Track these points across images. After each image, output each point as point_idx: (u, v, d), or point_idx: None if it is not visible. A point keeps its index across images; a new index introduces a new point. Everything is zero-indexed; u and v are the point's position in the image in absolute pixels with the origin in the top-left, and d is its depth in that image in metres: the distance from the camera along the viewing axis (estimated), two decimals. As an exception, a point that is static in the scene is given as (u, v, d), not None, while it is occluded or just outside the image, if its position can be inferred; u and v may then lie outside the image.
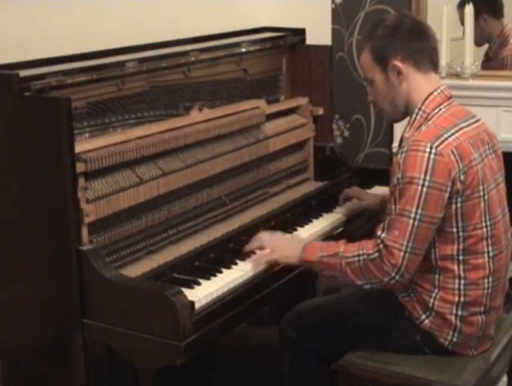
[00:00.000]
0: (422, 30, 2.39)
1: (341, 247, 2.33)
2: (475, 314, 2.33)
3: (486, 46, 4.22)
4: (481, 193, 2.28)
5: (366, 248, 2.27)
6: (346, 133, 4.26)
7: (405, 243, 2.20)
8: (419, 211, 2.19)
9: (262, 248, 2.47)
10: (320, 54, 3.22)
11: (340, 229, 2.83)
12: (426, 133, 2.27)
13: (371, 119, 4.20)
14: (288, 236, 2.63)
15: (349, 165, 3.27)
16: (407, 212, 2.20)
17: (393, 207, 2.24)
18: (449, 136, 2.26)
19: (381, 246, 2.23)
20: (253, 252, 2.48)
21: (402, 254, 2.20)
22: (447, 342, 2.34)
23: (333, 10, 4.09)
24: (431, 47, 2.40)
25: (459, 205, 2.25)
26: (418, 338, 2.36)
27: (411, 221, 2.20)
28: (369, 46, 2.40)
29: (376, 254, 2.24)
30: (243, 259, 2.46)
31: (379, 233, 2.25)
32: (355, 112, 4.20)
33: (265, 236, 2.50)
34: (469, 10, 3.82)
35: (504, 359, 2.50)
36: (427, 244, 2.25)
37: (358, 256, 2.27)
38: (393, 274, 2.22)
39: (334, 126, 4.11)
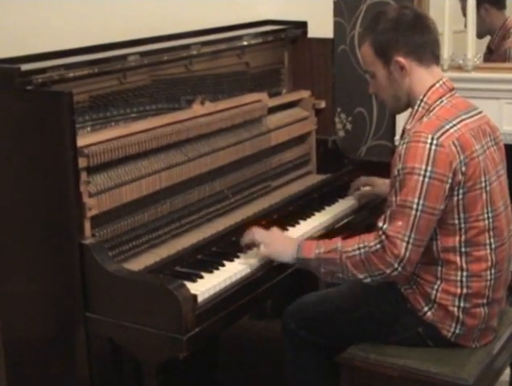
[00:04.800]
0: (423, 23, 2.38)
1: (339, 242, 2.32)
2: (477, 305, 2.33)
3: (488, 38, 4.22)
4: (483, 184, 2.28)
5: (367, 240, 2.26)
6: (348, 126, 4.25)
7: (407, 233, 2.20)
8: (421, 201, 2.19)
9: (254, 242, 2.44)
10: (322, 47, 3.22)
11: (343, 222, 2.83)
12: (427, 125, 2.26)
13: (373, 112, 4.20)
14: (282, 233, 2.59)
15: (352, 158, 3.27)
16: (409, 203, 2.20)
17: (393, 198, 2.24)
18: (450, 127, 2.25)
19: (383, 237, 2.22)
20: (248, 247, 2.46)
21: (404, 245, 2.20)
22: (449, 335, 2.34)
23: (335, 3, 4.09)
24: (432, 39, 2.39)
25: (460, 197, 2.24)
26: (420, 330, 2.36)
27: (413, 212, 2.19)
28: (370, 40, 2.39)
29: (378, 245, 2.23)
30: (246, 252, 2.46)
31: (380, 224, 2.24)
32: (357, 105, 4.20)
33: (258, 230, 2.47)
34: (471, 1, 3.82)
35: (507, 352, 2.50)
36: (429, 235, 2.25)
37: (359, 249, 2.26)
38: (395, 265, 2.21)
39: (336, 119, 4.10)
